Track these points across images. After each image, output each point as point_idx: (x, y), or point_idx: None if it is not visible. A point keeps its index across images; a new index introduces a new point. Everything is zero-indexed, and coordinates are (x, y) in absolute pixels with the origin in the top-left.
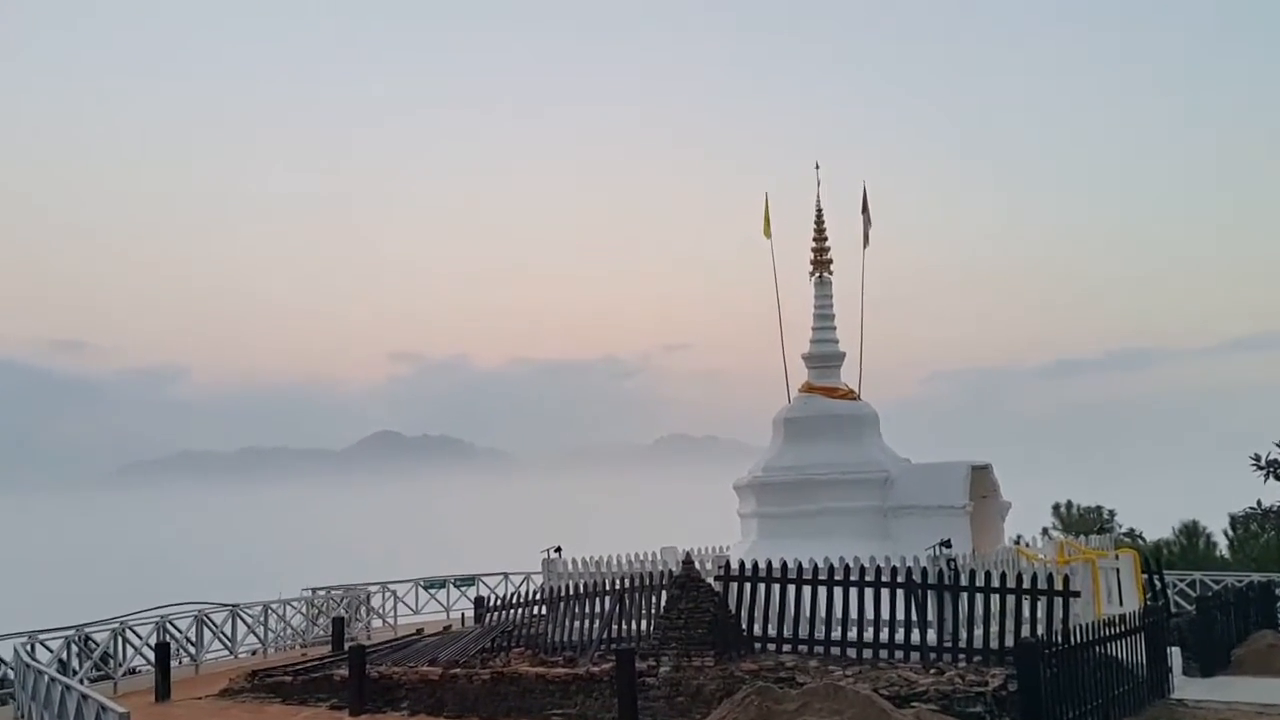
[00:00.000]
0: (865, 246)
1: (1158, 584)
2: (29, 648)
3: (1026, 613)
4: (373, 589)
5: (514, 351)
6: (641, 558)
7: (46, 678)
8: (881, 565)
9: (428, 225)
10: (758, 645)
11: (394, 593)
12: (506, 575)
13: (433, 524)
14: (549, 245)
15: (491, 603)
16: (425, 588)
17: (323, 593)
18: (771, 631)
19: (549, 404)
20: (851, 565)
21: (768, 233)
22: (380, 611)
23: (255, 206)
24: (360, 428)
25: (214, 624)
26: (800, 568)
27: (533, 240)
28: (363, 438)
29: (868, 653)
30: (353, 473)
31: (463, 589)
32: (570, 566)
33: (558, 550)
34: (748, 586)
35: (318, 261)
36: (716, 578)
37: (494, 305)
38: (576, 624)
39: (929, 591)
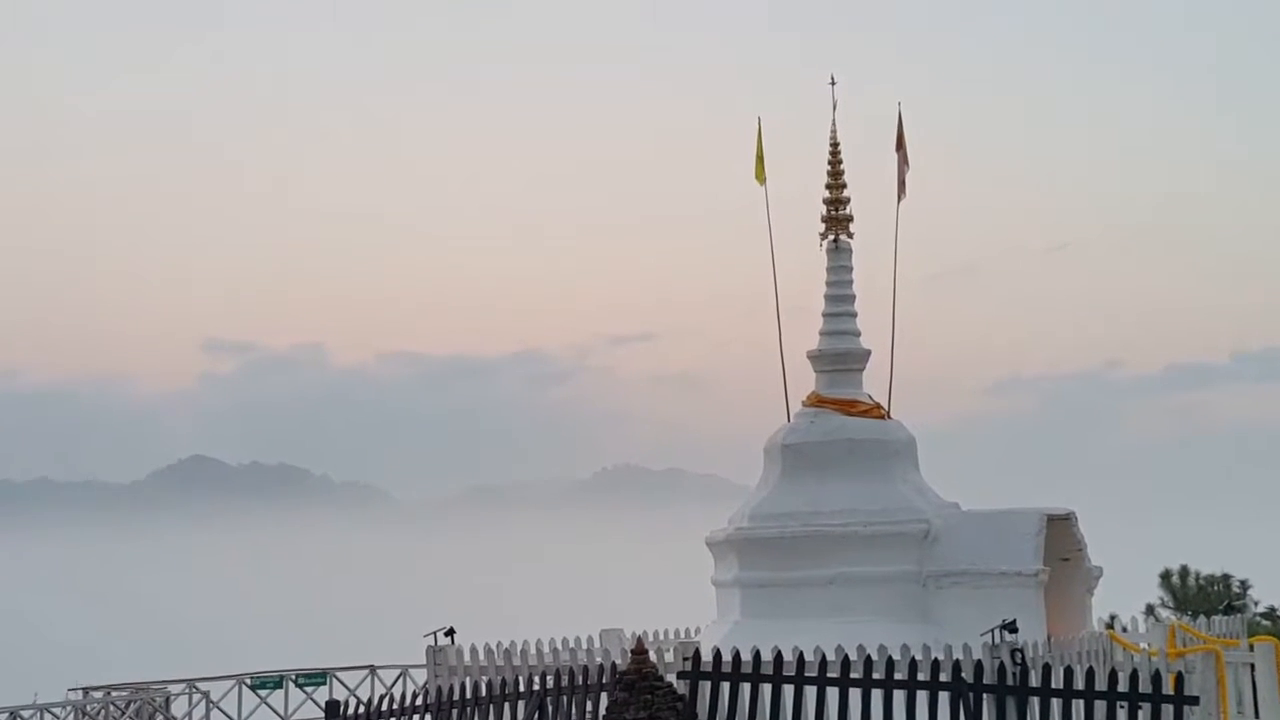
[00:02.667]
0: (901, 198)
1: None
2: None
3: None
4: (175, 689)
5: (389, 342)
6: (573, 645)
7: None
8: (918, 657)
9: (273, 155)
10: None
11: (206, 695)
12: (374, 669)
13: (267, 592)
14: (447, 191)
15: (352, 709)
16: (253, 687)
17: (99, 694)
18: None
19: (440, 419)
20: (875, 656)
21: (761, 176)
22: None
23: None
24: (160, 451)
25: None
26: (801, 660)
27: (425, 183)
28: (162, 466)
29: None
30: (148, 517)
31: (309, 689)
32: (469, 658)
33: (450, 634)
34: (725, 687)
35: (102, 205)
36: (680, 674)
37: (363, 274)
38: None
39: (985, 694)
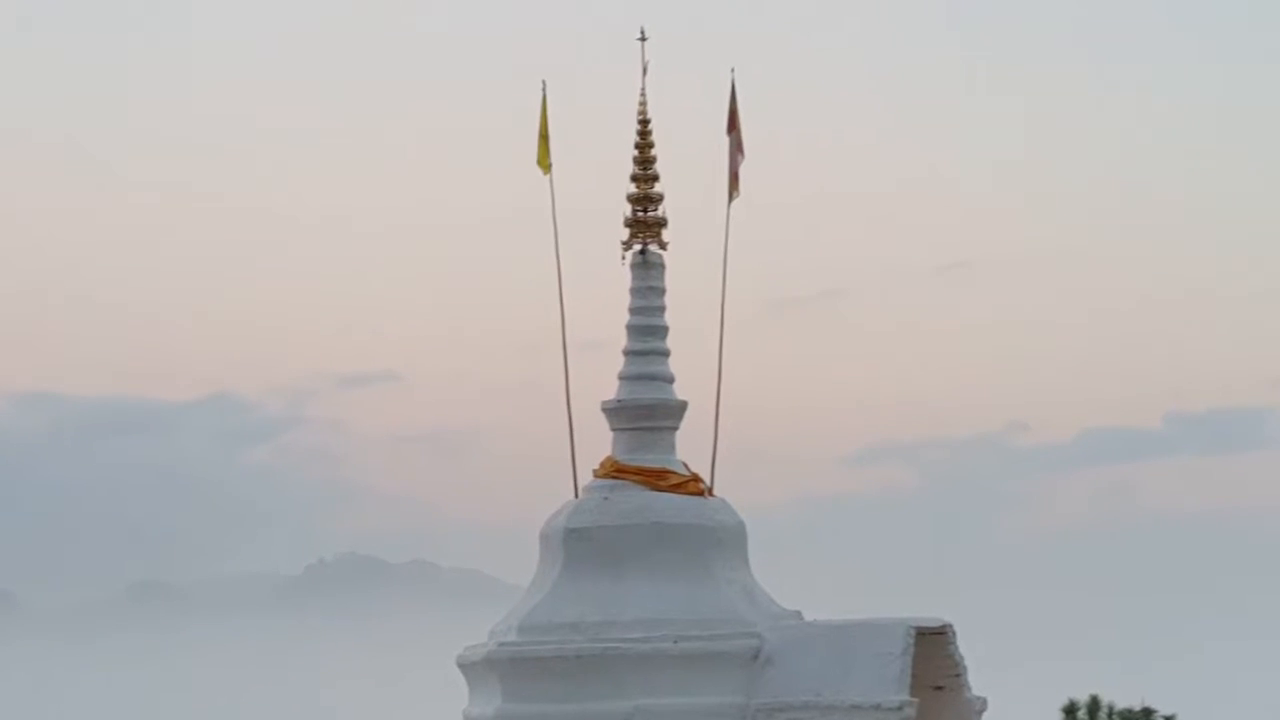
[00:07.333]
0: (734, 197)
1: None
2: None
3: None
4: None
5: (22, 380)
6: None
7: None
8: None
9: None
10: None
11: None
12: None
13: None
14: (113, 180)
15: None
16: None
17: None
18: None
19: (93, 489)
20: None
21: (545, 163)
22: None
23: None
24: None
25: None
26: None
27: (81, 170)
28: None
29: None
30: None
31: None
32: None
33: None
34: None
35: None
36: None
37: None
38: None
39: None
